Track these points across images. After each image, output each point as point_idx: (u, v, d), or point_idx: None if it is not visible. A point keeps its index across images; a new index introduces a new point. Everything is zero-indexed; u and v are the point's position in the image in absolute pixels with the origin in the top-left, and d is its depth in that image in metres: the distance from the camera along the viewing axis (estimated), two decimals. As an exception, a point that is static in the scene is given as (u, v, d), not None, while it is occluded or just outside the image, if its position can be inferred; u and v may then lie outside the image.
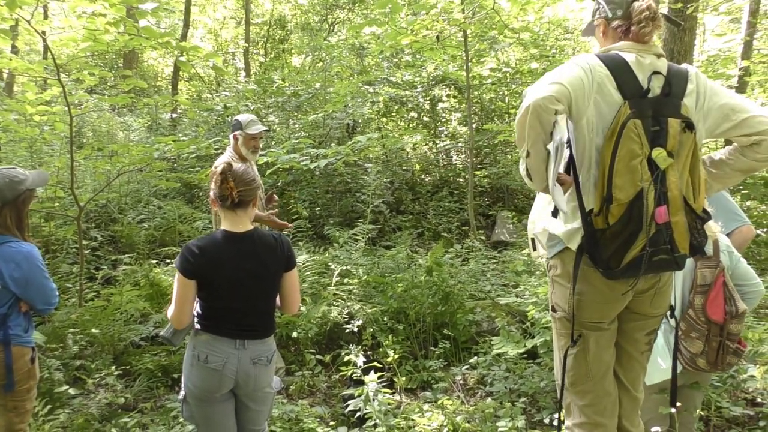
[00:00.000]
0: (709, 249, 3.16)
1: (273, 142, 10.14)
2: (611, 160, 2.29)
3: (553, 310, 2.67)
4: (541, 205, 2.73)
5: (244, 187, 2.87)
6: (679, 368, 3.28)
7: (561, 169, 2.44)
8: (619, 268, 2.32)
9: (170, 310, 2.89)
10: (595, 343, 2.57)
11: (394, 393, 4.18)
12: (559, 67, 2.42)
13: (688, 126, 2.35)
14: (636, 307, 2.59)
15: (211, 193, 2.93)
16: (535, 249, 2.83)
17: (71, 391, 4.23)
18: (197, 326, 2.90)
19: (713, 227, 3.30)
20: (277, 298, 3.06)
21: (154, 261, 6.98)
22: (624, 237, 2.29)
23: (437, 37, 8.17)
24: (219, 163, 4.68)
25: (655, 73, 2.40)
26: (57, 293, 3.25)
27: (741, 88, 8.88)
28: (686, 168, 2.36)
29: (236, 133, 4.83)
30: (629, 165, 2.27)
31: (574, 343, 2.56)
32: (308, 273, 6.21)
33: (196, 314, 2.94)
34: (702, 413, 3.74)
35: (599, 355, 2.59)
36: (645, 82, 2.38)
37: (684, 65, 2.53)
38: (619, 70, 2.38)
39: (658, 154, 2.27)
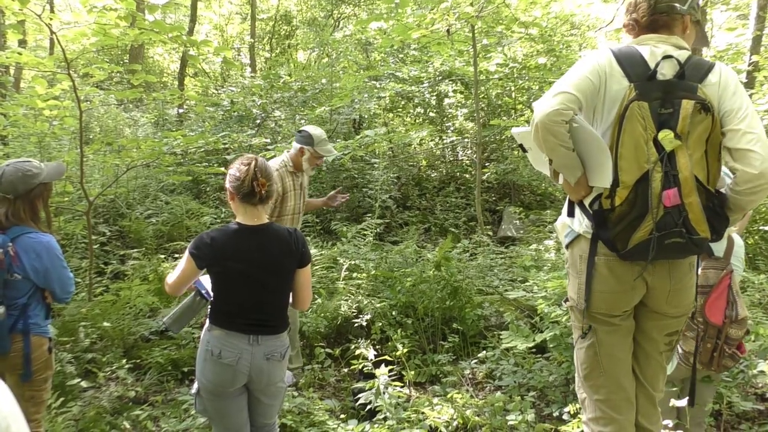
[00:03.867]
0: (720, 251, 3.16)
1: (279, 138, 10.16)
2: (615, 143, 2.31)
3: (566, 300, 2.70)
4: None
5: (269, 182, 2.89)
6: (675, 364, 3.29)
7: None
8: (626, 250, 2.33)
9: (171, 277, 2.96)
10: (606, 337, 2.57)
11: (403, 387, 4.19)
12: (569, 70, 2.46)
13: (704, 108, 2.31)
14: (652, 304, 2.57)
15: (229, 186, 2.91)
16: None
17: (83, 384, 4.25)
18: (210, 321, 2.91)
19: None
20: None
21: (163, 256, 7.00)
22: (630, 219, 2.30)
23: (447, 30, 8.15)
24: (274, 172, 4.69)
25: (666, 57, 2.38)
26: (74, 282, 3.29)
27: (749, 83, 8.85)
28: (699, 149, 2.33)
29: (305, 147, 4.72)
30: (633, 147, 2.28)
31: (585, 336, 2.57)
32: (317, 267, 6.22)
33: (209, 309, 2.96)
34: (714, 407, 3.74)
35: (611, 350, 2.58)
36: (653, 65, 2.37)
37: (716, 62, 2.51)
38: (627, 58, 2.41)
39: (665, 136, 2.26)
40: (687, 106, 2.30)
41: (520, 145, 2.63)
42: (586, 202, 2.49)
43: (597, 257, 2.47)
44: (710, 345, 3.10)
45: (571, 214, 2.59)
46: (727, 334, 3.06)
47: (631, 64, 2.39)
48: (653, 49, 2.43)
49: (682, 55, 2.42)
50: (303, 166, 4.76)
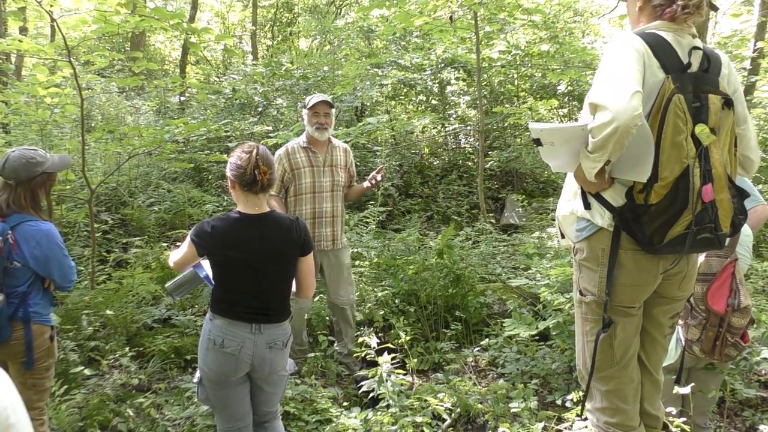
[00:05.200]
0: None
1: (282, 125, 10.13)
2: (657, 137, 2.25)
3: (581, 294, 2.63)
4: (572, 190, 2.67)
5: (270, 169, 2.87)
6: (679, 352, 3.29)
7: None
8: (661, 245, 2.30)
9: (174, 256, 2.98)
10: (622, 329, 2.54)
11: (405, 374, 4.19)
12: (619, 62, 2.27)
13: (727, 103, 2.31)
14: (664, 290, 2.56)
15: (230, 174, 2.89)
16: (564, 237, 2.78)
17: (86, 371, 4.26)
18: (211, 310, 2.91)
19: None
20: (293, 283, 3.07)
21: (165, 244, 6.99)
22: (669, 215, 2.26)
23: (450, 17, 8.11)
24: (282, 148, 4.70)
25: (694, 48, 2.35)
26: (75, 270, 3.29)
27: (754, 70, 8.79)
28: (725, 144, 2.34)
29: (303, 112, 4.74)
30: (674, 141, 2.22)
31: (606, 328, 2.52)
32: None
33: (210, 297, 2.95)
34: (716, 395, 3.74)
35: (626, 341, 2.57)
36: (685, 57, 2.33)
37: (717, 51, 2.49)
38: (659, 47, 2.33)
39: (702, 130, 2.23)
40: (715, 100, 2.29)
41: (536, 140, 2.49)
42: (609, 195, 2.43)
43: (623, 251, 2.43)
44: (712, 333, 3.08)
45: (587, 206, 2.51)
46: (729, 322, 3.05)
47: (665, 55, 2.32)
48: (677, 38, 2.38)
49: (700, 44, 2.40)
50: (309, 131, 4.70)
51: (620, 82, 2.18)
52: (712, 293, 3.08)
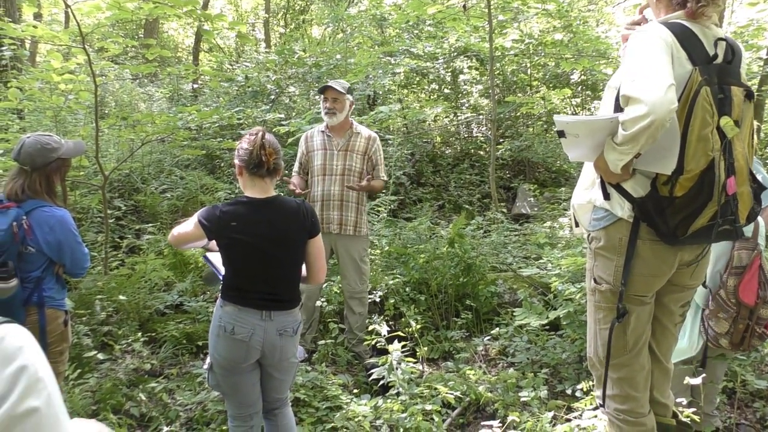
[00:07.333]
0: (748, 230, 3.14)
1: (294, 113, 10.12)
2: (684, 129, 2.23)
3: (596, 282, 2.61)
4: (589, 180, 2.65)
5: (276, 154, 2.89)
6: (700, 344, 3.29)
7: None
8: (684, 236, 2.29)
9: (176, 230, 3.01)
10: (636, 317, 2.54)
11: (416, 362, 4.20)
12: (650, 53, 2.24)
13: (749, 95, 2.30)
14: (677, 279, 2.56)
15: (237, 160, 2.91)
16: (577, 225, 2.77)
17: (99, 356, 4.30)
18: (222, 297, 2.92)
19: None
20: (303, 269, 3.08)
21: (177, 230, 7.01)
22: (693, 207, 2.25)
23: (463, 6, 8.06)
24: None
25: (720, 39, 2.33)
26: (89, 257, 3.32)
27: (771, 59, 8.68)
28: (746, 137, 2.33)
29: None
30: (701, 134, 2.21)
31: (621, 318, 2.51)
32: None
33: (221, 284, 2.97)
34: (728, 385, 3.74)
35: (638, 329, 2.56)
36: (711, 48, 2.31)
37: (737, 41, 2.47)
38: (686, 37, 2.31)
39: (726, 122, 2.22)
40: (738, 92, 2.28)
41: (559, 131, 2.44)
42: (630, 186, 2.41)
43: (641, 241, 2.42)
44: (742, 326, 3.09)
45: (606, 197, 2.49)
46: (758, 314, 3.06)
47: (692, 46, 2.30)
48: (702, 28, 2.36)
49: (722, 34, 2.38)
50: (323, 117, 4.86)
51: (655, 75, 2.15)
52: (743, 286, 3.07)
